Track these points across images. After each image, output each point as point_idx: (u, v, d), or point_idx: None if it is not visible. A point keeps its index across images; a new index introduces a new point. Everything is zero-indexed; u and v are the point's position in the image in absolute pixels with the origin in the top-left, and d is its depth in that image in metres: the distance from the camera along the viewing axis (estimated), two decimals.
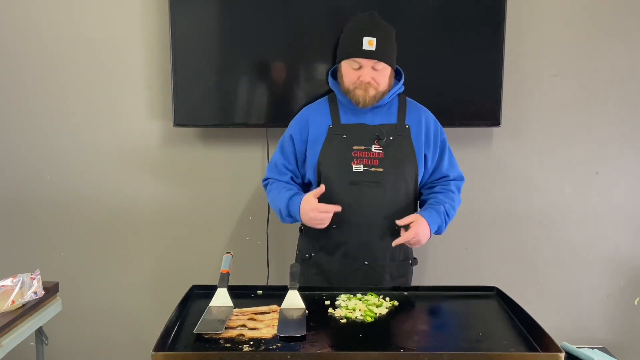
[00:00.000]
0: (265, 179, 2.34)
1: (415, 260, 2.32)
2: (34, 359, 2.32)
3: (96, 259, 2.95)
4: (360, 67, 2.11)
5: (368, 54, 2.08)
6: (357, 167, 2.15)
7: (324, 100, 2.31)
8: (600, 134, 2.87)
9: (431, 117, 2.29)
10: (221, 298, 1.82)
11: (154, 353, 1.49)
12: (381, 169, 2.15)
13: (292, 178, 2.29)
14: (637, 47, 2.81)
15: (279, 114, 2.70)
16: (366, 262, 2.17)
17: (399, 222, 2.11)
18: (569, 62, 2.82)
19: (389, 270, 2.20)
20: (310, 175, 2.25)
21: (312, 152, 2.22)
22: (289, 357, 1.51)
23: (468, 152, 2.87)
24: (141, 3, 2.75)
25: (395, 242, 2.10)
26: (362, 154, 2.16)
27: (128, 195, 2.90)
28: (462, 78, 2.70)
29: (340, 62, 2.19)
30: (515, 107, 2.80)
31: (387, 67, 2.15)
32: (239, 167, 2.86)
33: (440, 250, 2.96)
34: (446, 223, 2.19)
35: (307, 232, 2.29)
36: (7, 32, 2.79)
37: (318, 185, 2.18)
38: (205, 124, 2.80)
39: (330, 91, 2.34)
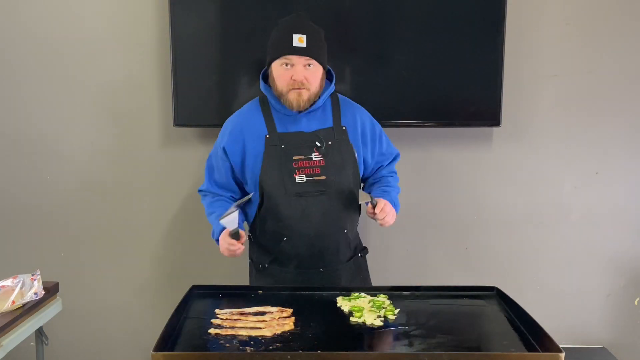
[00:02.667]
0: (201, 191, 2.31)
1: (365, 250, 2.33)
2: (34, 359, 2.32)
3: (96, 259, 2.95)
4: (292, 66, 2.05)
5: (299, 50, 2.03)
6: (300, 178, 2.10)
7: (254, 106, 2.21)
8: (600, 134, 2.87)
9: (365, 114, 2.24)
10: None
11: (154, 353, 1.49)
12: (324, 177, 2.10)
13: (231, 196, 2.26)
14: (637, 47, 2.81)
15: None
16: (320, 270, 2.17)
17: (372, 210, 2.09)
18: (569, 62, 2.82)
19: (343, 271, 2.20)
20: (251, 188, 2.18)
21: (251, 167, 2.14)
22: (289, 357, 1.51)
23: (468, 152, 2.88)
24: (141, 3, 2.75)
25: (368, 211, 2.09)
26: (303, 163, 2.11)
27: (128, 195, 2.90)
28: (462, 78, 2.70)
29: (270, 63, 2.11)
30: (515, 107, 2.80)
31: (319, 67, 2.09)
32: None
33: (440, 250, 2.96)
34: (390, 195, 2.21)
35: (259, 242, 2.26)
36: (7, 32, 2.78)
37: (261, 198, 2.14)
38: (205, 124, 2.79)
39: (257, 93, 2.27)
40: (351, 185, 2.15)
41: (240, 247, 2.05)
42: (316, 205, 2.11)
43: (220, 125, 2.76)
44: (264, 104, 2.18)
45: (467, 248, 2.97)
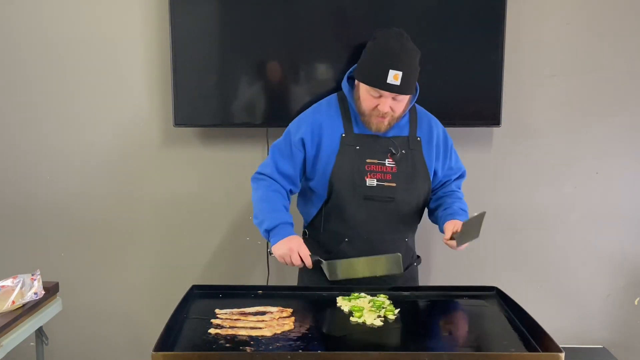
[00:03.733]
0: (262, 174, 2.17)
1: (419, 260, 2.32)
2: (34, 359, 2.32)
3: (96, 259, 2.95)
4: (380, 96, 2.01)
5: (391, 88, 1.98)
6: (371, 182, 2.09)
7: (333, 102, 2.19)
8: (600, 134, 2.87)
9: (440, 126, 2.25)
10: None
11: (154, 353, 1.49)
12: (394, 184, 2.10)
13: (290, 190, 2.19)
14: (637, 47, 2.81)
15: (279, 114, 2.70)
16: (377, 276, 2.11)
17: (446, 238, 2.06)
18: (569, 62, 2.82)
19: (399, 279, 2.17)
20: (318, 185, 2.15)
21: (324, 162, 2.12)
22: (289, 357, 1.51)
23: (468, 152, 2.87)
24: (141, 3, 2.75)
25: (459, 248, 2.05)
26: (376, 167, 2.10)
27: (128, 195, 2.90)
28: (462, 78, 2.70)
29: (359, 81, 2.08)
30: (515, 107, 2.80)
31: (407, 96, 2.07)
32: (239, 167, 2.86)
33: (440, 250, 2.96)
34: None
35: (316, 240, 2.21)
36: (7, 32, 2.78)
37: (328, 197, 2.11)
38: (205, 124, 2.79)
39: (336, 89, 2.26)
40: (420, 196, 2.16)
41: (300, 263, 2.00)
42: (383, 211, 2.10)
43: (220, 125, 2.80)
44: (343, 103, 2.16)
45: (467, 248, 2.96)
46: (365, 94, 2.04)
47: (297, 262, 1.99)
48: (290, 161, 2.14)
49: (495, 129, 2.84)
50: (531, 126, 2.86)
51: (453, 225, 2.06)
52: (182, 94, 2.67)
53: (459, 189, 2.31)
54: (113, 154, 2.87)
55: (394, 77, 1.97)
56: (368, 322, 1.74)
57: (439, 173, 2.22)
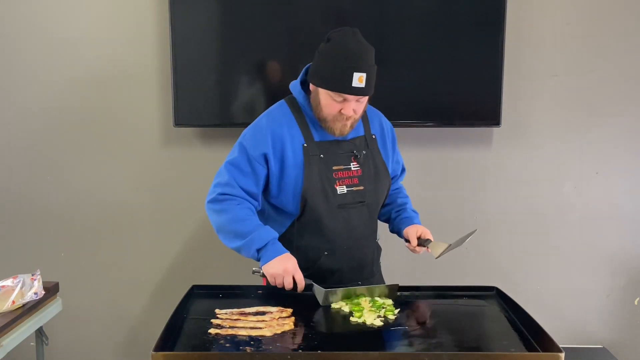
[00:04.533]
0: (224, 194, 1.97)
1: (380, 249, 2.29)
2: (34, 359, 2.32)
3: (96, 259, 2.95)
4: (344, 100, 1.90)
5: (358, 91, 1.87)
6: (341, 189, 2.00)
7: (286, 109, 2.03)
8: (600, 134, 2.87)
9: (386, 121, 2.18)
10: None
11: (154, 353, 1.48)
12: (362, 187, 2.02)
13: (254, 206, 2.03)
14: (637, 47, 2.81)
15: None
16: (359, 283, 2.09)
17: (414, 245, 2.06)
18: (569, 62, 2.82)
19: (375, 282, 2.16)
20: (287, 202, 2.01)
21: (292, 177, 1.97)
22: (289, 357, 1.51)
23: (468, 152, 2.88)
24: (141, 3, 2.75)
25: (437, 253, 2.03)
26: (343, 174, 2.01)
27: (128, 195, 2.90)
28: (462, 78, 2.70)
29: (318, 87, 1.93)
30: (515, 107, 2.80)
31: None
32: None
33: None
34: (418, 216, 2.20)
35: (295, 255, 1.99)
36: (7, 32, 2.78)
37: (301, 213, 1.99)
38: (205, 124, 2.80)
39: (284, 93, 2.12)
40: (384, 194, 2.12)
41: (291, 286, 1.91)
42: (357, 217, 2.04)
43: (220, 125, 2.79)
44: (295, 109, 2.03)
45: (467, 248, 2.96)
46: (327, 99, 1.91)
47: (289, 286, 1.89)
48: (252, 178, 1.98)
49: (495, 129, 2.84)
50: (531, 126, 2.86)
51: (416, 231, 2.06)
52: (182, 94, 2.67)
53: (401, 185, 2.29)
54: (113, 154, 2.87)
55: (359, 79, 1.86)
56: (368, 322, 1.74)
57: (389, 168, 2.14)
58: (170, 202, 2.91)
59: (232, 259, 2.94)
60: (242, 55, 2.68)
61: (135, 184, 2.90)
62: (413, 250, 2.09)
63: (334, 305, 1.85)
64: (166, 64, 2.71)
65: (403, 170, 2.29)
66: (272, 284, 1.91)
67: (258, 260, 1.94)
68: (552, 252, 2.96)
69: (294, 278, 1.89)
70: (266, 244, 1.91)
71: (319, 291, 1.88)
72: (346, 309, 1.83)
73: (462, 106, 2.73)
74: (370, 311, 1.79)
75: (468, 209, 2.94)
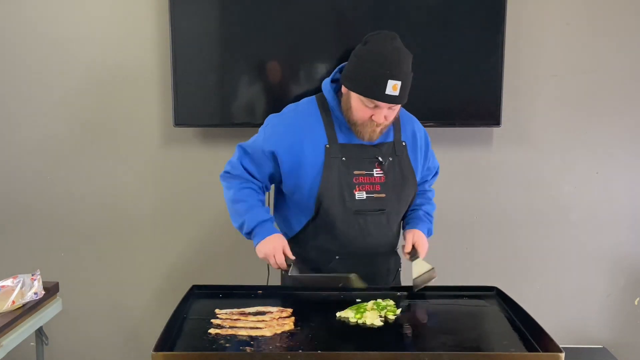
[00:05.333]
0: (229, 173, 2.02)
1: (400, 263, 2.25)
2: (34, 359, 2.32)
3: (96, 259, 2.95)
4: (376, 107, 1.85)
5: (391, 99, 1.83)
6: (360, 195, 1.94)
7: (313, 107, 1.99)
8: (600, 134, 2.87)
9: (420, 127, 2.13)
10: None
11: (154, 353, 1.48)
12: (383, 195, 1.97)
13: (265, 186, 2.05)
14: (637, 47, 2.81)
15: None
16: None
17: (407, 251, 2.02)
18: (569, 62, 2.82)
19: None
20: (303, 201, 1.98)
21: (309, 177, 1.94)
22: (289, 357, 1.51)
23: (468, 152, 2.88)
24: (141, 3, 2.75)
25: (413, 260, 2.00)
26: (364, 179, 1.96)
27: (128, 195, 2.90)
28: (462, 78, 2.70)
29: (351, 90, 1.89)
30: (515, 107, 2.80)
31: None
32: None
33: (440, 251, 2.95)
34: (431, 222, 2.14)
35: (301, 255, 2.01)
36: (7, 32, 2.78)
37: (316, 213, 1.97)
38: (205, 124, 2.80)
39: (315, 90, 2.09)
40: (408, 203, 2.07)
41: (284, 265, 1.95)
42: (374, 225, 1.98)
43: (220, 125, 2.79)
44: (324, 108, 1.98)
45: (467, 248, 2.97)
46: (359, 104, 1.87)
47: (279, 263, 1.92)
48: (256, 167, 2.00)
49: (495, 129, 2.84)
50: (531, 126, 2.86)
51: (412, 236, 2.02)
52: (182, 94, 2.67)
53: (431, 187, 2.25)
54: (113, 154, 2.87)
55: (393, 87, 1.81)
56: (368, 322, 1.74)
57: (418, 176, 2.10)
58: (170, 202, 2.91)
59: (232, 259, 2.95)
60: (242, 55, 2.68)
61: (135, 184, 2.90)
62: (404, 255, 2.04)
63: (340, 314, 1.80)
64: (166, 64, 2.71)
65: (436, 173, 2.26)
66: (267, 263, 1.95)
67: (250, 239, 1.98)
68: (552, 252, 2.96)
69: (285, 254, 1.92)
70: (255, 226, 1.94)
71: (290, 277, 1.92)
72: (351, 314, 1.80)
73: (462, 106, 2.73)
74: (372, 310, 1.78)
75: (468, 209, 2.93)
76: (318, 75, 2.66)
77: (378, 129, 1.91)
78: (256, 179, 2.02)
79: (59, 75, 2.81)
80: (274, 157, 1.96)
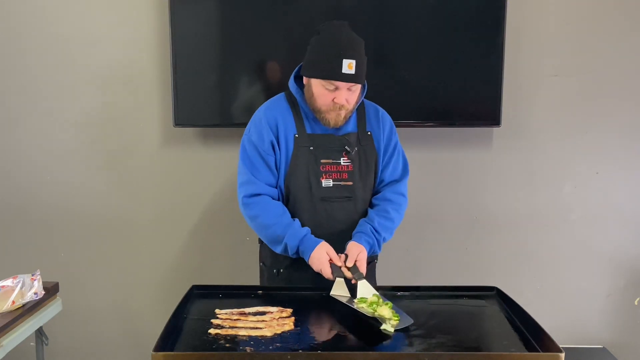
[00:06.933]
0: (249, 196, 2.04)
1: (376, 257, 2.26)
2: (34, 359, 2.32)
3: (96, 259, 2.95)
4: (336, 89, 1.96)
5: (348, 78, 1.94)
6: (327, 183, 2.05)
7: (282, 103, 2.12)
8: (600, 134, 2.87)
9: (387, 118, 2.19)
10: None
11: (154, 353, 1.49)
12: (351, 183, 2.06)
13: (279, 195, 2.09)
14: (637, 47, 2.81)
15: None
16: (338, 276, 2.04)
17: (348, 265, 1.95)
18: (569, 62, 2.82)
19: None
20: (278, 188, 2.09)
21: (281, 166, 2.07)
22: (289, 357, 1.51)
23: (468, 152, 2.88)
24: (141, 3, 2.75)
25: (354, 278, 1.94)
26: (331, 167, 2.06)
27: (128, 195, 2.90)
28: (462, 78, 2.70)
29: (310, 77, 2.02)
30: (515, 107, 2.80)
31: (359, 86, 2.03)
32: None
33: (440, 251, 2.96)
34: (378, 240, 2.06)
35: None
36: (7, 33, 2.78)
37: (287, 201, 2.06)
38: (205, 124, 2.80)
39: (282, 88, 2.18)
40: (372, 191, 2.14)
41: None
42: (341, 211, 2.07)
43: (220, 125, 2.79)
44: (292, 103, 2.11)
45: (467, 248, 2.97)
46: (320, 89, 1.98)
47: (329, 276, 1.93)
48: (268, 170, 2.06)
49: (495, 129, 2.84)
50: (531, 126, 2.86)
51: (356, 251, 1.96)
52: (182, 94, 2.67)
53: (397, 194, 2.15)
54: (113, 154, 2.87)
55: (349, 66, 1.93)
56: (386, 315, 1.71)
57: (380, 162, 2.13)
58: (170, 202, 2.91)
59: (232, 259, 2.95)
60: (242, 55, 2.68)
61: (135, 184, 2.90)
62: (343, 266, 1.96)
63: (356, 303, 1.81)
64: (166, 64, 2.71)
65: (405, 173, 2.21)
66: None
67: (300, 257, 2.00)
68: (552, 252, 2.96)
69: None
70: (299, 244, 1.98)
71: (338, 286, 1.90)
72: (365, 305, 1.79)
73: (462, 106, 2.73)
74: (384, 304, 1.76)
75: (468, 209, 2.93)
76: None
77: (342, 113, 2.01)
78: (272, 187, 2.06)
79: (59, 75, 2.81)
80: (272, 147, 2.05)
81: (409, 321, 1.74)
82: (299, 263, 2.05)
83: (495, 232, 2.94)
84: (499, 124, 2.73)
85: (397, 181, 2.18)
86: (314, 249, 1.96)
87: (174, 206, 2.92)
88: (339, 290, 1.92)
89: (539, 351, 1.56)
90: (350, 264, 1.94)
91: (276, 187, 2.08)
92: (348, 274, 1.92)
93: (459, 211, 2.94)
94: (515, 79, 2.78)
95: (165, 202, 2.91)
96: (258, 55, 2.68)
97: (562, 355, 1.49)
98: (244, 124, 2.73)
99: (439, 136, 2.87)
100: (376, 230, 2.06)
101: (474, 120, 2.77)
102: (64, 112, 2.84)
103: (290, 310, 1.80)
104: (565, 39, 2.80)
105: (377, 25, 2.66)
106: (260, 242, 2.22)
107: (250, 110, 2.70)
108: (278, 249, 2.03)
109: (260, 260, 2.25)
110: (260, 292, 1.99)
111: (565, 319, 2.99)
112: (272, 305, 1.84)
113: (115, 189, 2.90)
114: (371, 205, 2.15)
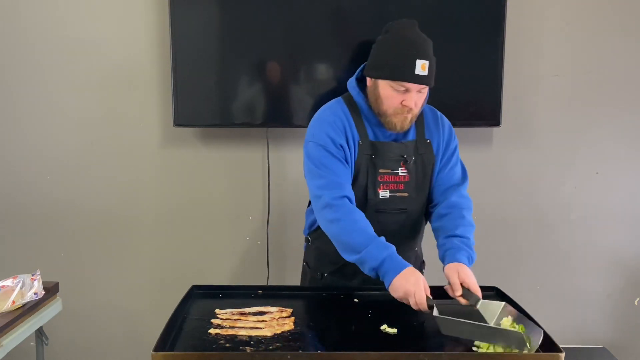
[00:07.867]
0: (334, 199, 1.85)
1: (423, 264, 2.26)
2: (34, 359, 2.32)
3: (96, 259, 2.95)
4: (406, 91, 1.86)
5: (420, 79, 1.84)
6: (384, 194, 1.95)
7: (343, 107, 1.98)
8: (600, 134, 2.87)
9: (446, 122, 2.09)
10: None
11: (154, 353, 1.49)
12: (406, 194, 1.97)
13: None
14: (637, 47, 2.81)
15: (279, 114, 2.70)
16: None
17: (457, 294, 1.78)
18: (569, 62, 2.82)
19: None
20: None
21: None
22: (289, 357, 1.51)
23: (468, 152, 2.86)
24: (141, 3, 2.75)
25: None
26: (389, 178, 1.96)
27: (128, 195, 2.90)
28: (462, 78, 2.70)
29: (378, 78, 1.89)
30: (515, 107, 2.80)
31: (427, 88, 1.93)
32: (239, 167, 2.86)
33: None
34: (470, 245, 1.93)
35: (321, 249, 2.04)
36: (7, 33, 2.78)
37: None
38: (205, 124, 2.80)
39: (339, 91, 2.08)
40: (427, 202, 2.05)
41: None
42: (394, 223, 1.98)
43: (220, 125, 2.79)
44: (352, 106, 1.98)
45: None
46: (388, 91, 1.87)
47: (417, 307, 1.72)
48: (340, 169, 1.91)
49: (495, 129, 2.84)
50: (531, 126, 2.86)
51: (457, 273, 1.79)
52: (182, 94, 2.67)
53: (463, 197, 2.06)
54: (113, 154, 2.87)
55: (422, 67, 1.83)
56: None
57: (437, 167, 2.04)
58: (170, 202, 2.91)
59: (232, 259, 2.95)
60: (242, 55, 2.68)
61: (135, 184, 2.89)
62: (456, 298, 1.79)
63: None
64: (166, 64, 2.71)
65: (462, 180, 2.10)
66: (413, 306, 1.74)
67: (377, 277, 1.80)
68: (552, 252, 2.96)
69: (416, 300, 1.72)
70: (382, 262, 1.77)
71: (437, 318, 1.64)
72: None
73: (462, 106, 2.73)
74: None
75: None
76: (318, 75, 2.66)
77: (409, 117, 1.91)
78: (350, 189, 1.91)
79: (59, 75, 2.81)
80: (342, 149, 1.92)
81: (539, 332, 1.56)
82: (345, 270, 1.99)
83: (495, 232, 2.94)
84: (499, 124, 2.73)
85: (458, 185, 2.06)
86: (404, 269, 1.75)
87: (174, 206, 2.92)
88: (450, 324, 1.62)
89: (539, 351, 1.56)
90: (458, 291, 1.75)
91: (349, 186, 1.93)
92: (463, 301, 1.74)
93: None
94: (515, 79, 2.78)
95: (165, 202, 2.91)
96: (258, 55, 2.68)
97: (562, 355, 1.49)
98: (244, 124, 2.76)
99: None
100: (465, 237, 1.91)
101: (474, 120, 2.77)
102: (64, 112, 2.84)
103: (290, 310, 1.80)
104: (565, 39, 2.80)
105: (377, 25, 2.65)
106: (307, 240, 2.15)
107: (250, 110, 2.72)
108: (351, 258, 1.84)
109: (305, 260, 2.19)
110: (260, 292, 1.99)
111: (565, 319, 2.99)
112: (272, 305, 1.84)
113: (115, 188, 2.90)
114: (437, 216, 2.01)
